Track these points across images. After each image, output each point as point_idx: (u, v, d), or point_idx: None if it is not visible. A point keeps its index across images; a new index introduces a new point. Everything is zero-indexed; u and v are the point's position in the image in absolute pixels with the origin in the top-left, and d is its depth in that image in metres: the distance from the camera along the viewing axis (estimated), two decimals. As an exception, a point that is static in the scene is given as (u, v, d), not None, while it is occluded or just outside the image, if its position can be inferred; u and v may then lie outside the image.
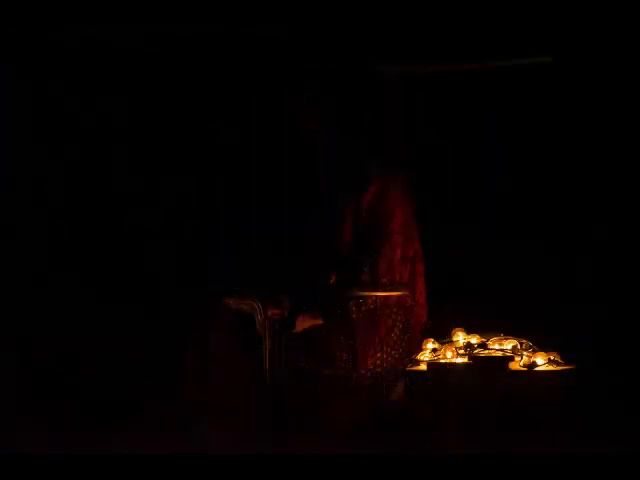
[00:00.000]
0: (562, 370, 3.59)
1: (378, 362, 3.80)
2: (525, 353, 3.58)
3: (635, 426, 3.58)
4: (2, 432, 3.48)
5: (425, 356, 3.68)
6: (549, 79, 4.43)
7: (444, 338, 3.75)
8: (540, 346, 3.63)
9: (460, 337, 3.72)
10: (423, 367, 3.62)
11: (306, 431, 3.53)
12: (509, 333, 3.69)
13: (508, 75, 4.46)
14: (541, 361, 3.52)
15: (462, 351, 3.63)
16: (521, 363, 3.55)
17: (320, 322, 3.80)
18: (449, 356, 3.60)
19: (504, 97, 4.45)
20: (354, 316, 3.81)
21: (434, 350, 3.69)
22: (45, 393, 4.18)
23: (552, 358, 3.59)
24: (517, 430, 3.55)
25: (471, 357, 3.58)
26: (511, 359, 3.55)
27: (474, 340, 3.67)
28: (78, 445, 3.02)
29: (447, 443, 3.40)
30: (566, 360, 3.64)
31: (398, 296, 3.86)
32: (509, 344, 3.62)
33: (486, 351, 3.61)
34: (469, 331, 3.76)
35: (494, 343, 3.64)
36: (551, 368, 3.55)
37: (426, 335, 3.82)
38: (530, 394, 3.61)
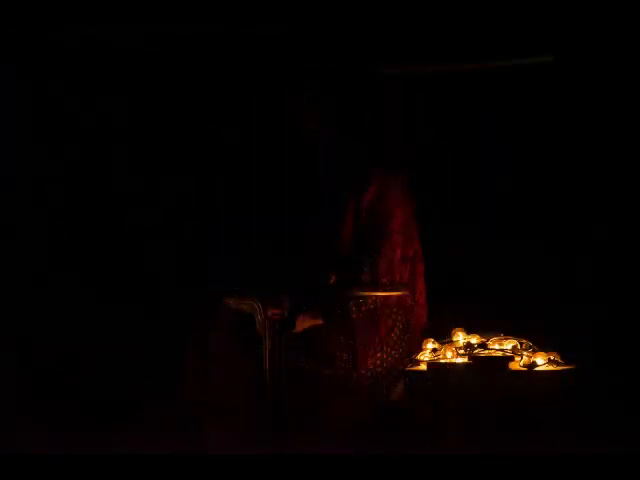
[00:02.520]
0: (562, 370, 3.59)
1: (378, 362, 3.80)
2: (525, 353, 3.58)
3: (635, 426, 3.58)
4: (2, 432, 3.48)
5: (425, 356, 3.68)
6: (549, 79, 4.43)
7: (444, 338, 3.75)
8: (540, 346, 3.63)
9: (460, 337, 3.72)
10: (423, 367, 3.62)
11: (306, 431, 3.53)
12: (509, 333, 3.69)
13: (508, 75, 4.45)
14: (541, 361, 3.52)
15: (462, 351, 3.63)
16: (521, 363, 3.55)
17: (320, 322, 3.80)
18: (449, 356, 3.60)
19: (504, 97, 4.45)
20: (354, 316, 3.81)
21: (434, 350, 3.69)
22: (45, 393, 4.18)
23: (552, 358, 3.59)
24: (517, 430, 3.55)
25: (471, 357, 3.58)
26: (511, 359, 3.55)
27: (474, 340, 3.67)
28: (78, 445, 3.02)
29: (447, 443, 3.40)
30: (566, 360, 3.64)
31: (398, 296, 3.86)
32: (509, 344, 3.62)
33: (486, 351, 3.61)
34: (469, 331, 3.76)
35: (494, 343, 3.64)
36: (551, 368, 3.55)
37: (426, 335, 3.82)
38: (530, 394, 3.61)
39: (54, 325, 4.43)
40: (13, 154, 4.52)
